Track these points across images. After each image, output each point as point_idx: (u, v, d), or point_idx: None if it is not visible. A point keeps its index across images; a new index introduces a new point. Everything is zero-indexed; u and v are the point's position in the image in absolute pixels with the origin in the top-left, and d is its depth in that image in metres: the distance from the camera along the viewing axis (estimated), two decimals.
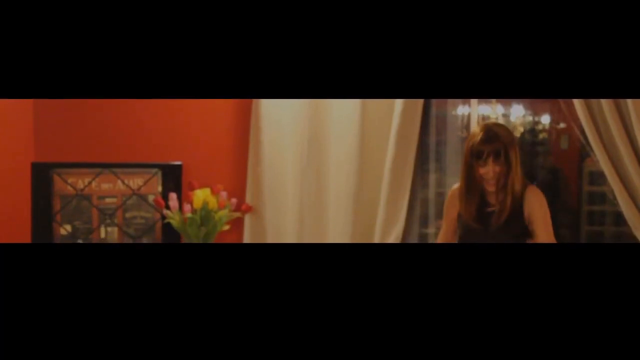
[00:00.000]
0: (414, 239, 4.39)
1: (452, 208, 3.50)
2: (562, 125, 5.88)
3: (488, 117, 5.65)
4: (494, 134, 3.31)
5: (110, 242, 4.32)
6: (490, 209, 3.39)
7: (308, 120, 4.22)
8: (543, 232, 3.35)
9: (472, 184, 3.37)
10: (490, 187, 3.35)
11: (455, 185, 3.53)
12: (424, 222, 4.48)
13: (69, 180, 4.30)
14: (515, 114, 5.84)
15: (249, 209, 4.34)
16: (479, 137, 3.31)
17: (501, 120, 5.73)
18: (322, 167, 4.24)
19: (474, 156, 3.32)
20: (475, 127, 3.46)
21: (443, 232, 3.60)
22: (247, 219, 4.39)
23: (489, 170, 3.30)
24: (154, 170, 4.39)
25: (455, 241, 3.51)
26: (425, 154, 4.42)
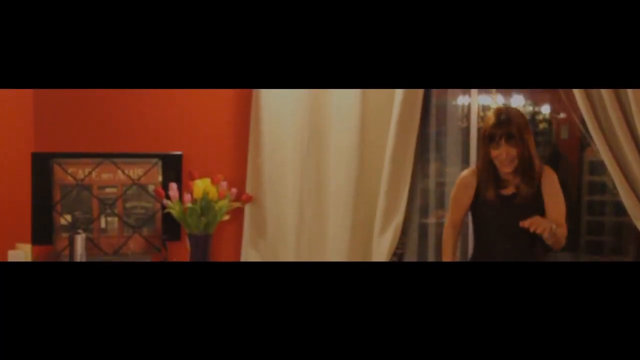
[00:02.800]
0: (414, 229, 4.40)
1: (464, 195, 3.53)
2: (562, 115, 5.87)
3: (488, 107, 5.64)
4: (505, 117, 3.37)
5: (110, 232, 4.33)
6: (506, 192, 3.45)
7: (308, 111, 4.22)
8: (553, 212, 3.41)
9: (487, 168, 3.44)
10: (505, 169, 3.41)
11: (464, 172, 3.58)
12: (424, 212, 4.48)
13: (69, 170, 4.30)
14: (516, 104, 5.82)
15: (249, 199, 4.34)
16: (492, 121, 3.38)
17: None
18: (322, 157, 4.24)
19: (486, 139, 3.40)
20: (489, 112, 3.51)
21: (451, 221, 3.59)
22: (247, 209, 4.39)
23: (502, 152, 3.37)
24: (154, 160, 4.39)
25: (461, 230, 3.54)
26: (426, 144, 4.42)
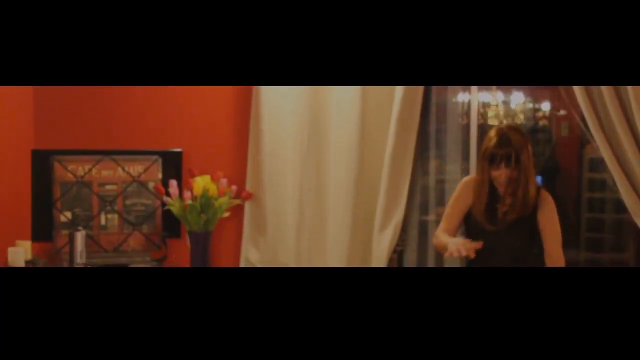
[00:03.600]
0: (414, 226, 4.40)
1: (465, 199, 3.50)
2: (562, 112, 5.88)
3: (488, 104, 5.65)
4: (507, 138, 3.36)
5: (110, 229, 4.33)
6: (500, 210, 3.43)
7: (308, 108, 4.21)
8: (550, 241, 3.44)
9: (485, 184, 3.42)
10: (502, 189, 3.41)
11: (467, 178, 3.56)
12: (424, 209, 4.48)
13: (69, 167, 4.30)
14: (516, 101, 5.83)
15: (249, 196, 4.34)
16: (493, 142, 3.36)
17: (501, 107, 5.73)
18: (322, 155, 4.24)
19: (487, 159, 3.38)
20: (491, 131, 3.47)
21: (447, 222, 3.53)
22: (247, 206, 4.39)
23: (501, 174, 3.37)
24: (154, 157, 4.39)
25: (456, 234, 3.51)
26: (426, 141, 4.42)
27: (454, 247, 3.23)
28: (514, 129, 3.49)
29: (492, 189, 3.43)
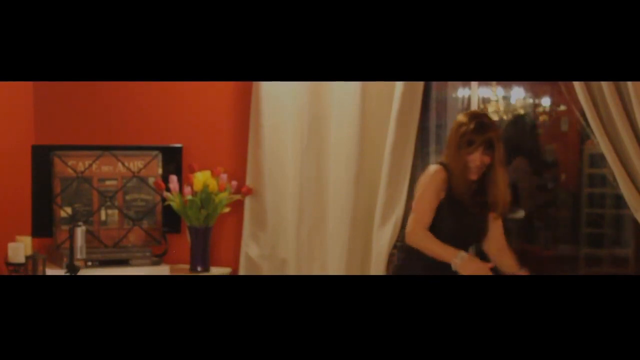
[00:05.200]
0: None
1: (440, 190, 3.44)
2: (562, 107, 5.87)
3: (488, 100, 5.64)
4: (484, 124, 3.38)
5: (110, 224, 4.33)
6: (476, 194, 3.46)
7: (308, 103, 4.21)
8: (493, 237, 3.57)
9: (463, 170, 3.40)
10: (473, 176, 3.41)
11: (436, 167, 3.48)
12: None
13: (69, 163, 4.30)
14: (516, 96, 5.82)
15: (249, 192, 4.35)
16: (470, 127, 3.36)
17: (502, 103, 5.73)
18: (323, 150, 4.24)
19: (464, 143, 3.37)
20: (462, 116, 3.47)
21: (423, 216, 3.44)
22: (248, 202, 4.39)
23: (476, 159, 3.37)
24: (155, 152, 4.39)
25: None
26: (426, 137, 4.42)
27: (468, 270, 3.31)
28: (486, 115, 3.54)
29: (465, 177, 3.42)
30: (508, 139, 4.73)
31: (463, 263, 3.33)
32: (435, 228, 3.43)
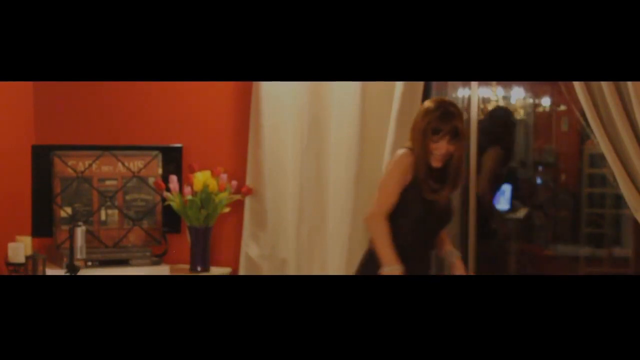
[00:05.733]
0: None
1: (405, 175, 3.42)
2: (562, 107, 5.88)
3: (489, 100, 5.64)
4: (450, 112, 3.37)
5: (110, 224, 4.33)
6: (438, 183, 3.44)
7: (308, 103, 4.21)
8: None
9: (422, 156, 3.39)
10: (437, 163, 3.40)
11: (403, 151, 3.47)
12: None
13: (70, 163, 4.29)
14: (516, 96, 5.83)
15: (249, 192, 4.35)
16: (436, 114, 3.35)
17: (502, 103, 5.73)
18: (323, 150, 4.24)
19: (429, 131, 3.35)
20: (429, 103, 3.46)
21: (384, 207, 3.42)
22: (248, 201, 4.39)
23: (441, 147, 3.36)
24: (155, 152, 4.39)
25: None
26: None
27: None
28: (451, 103, 3.50)
29: (428, 163, 3.41)
30: (484, 129, 4.69)
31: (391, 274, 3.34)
32: (400, 212, 3.42)
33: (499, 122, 5.29)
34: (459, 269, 3.60)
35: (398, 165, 3.45)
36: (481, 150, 4.56)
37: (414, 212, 3.43)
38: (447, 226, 3.64)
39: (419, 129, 3.40)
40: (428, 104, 3.46)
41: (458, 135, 3.37)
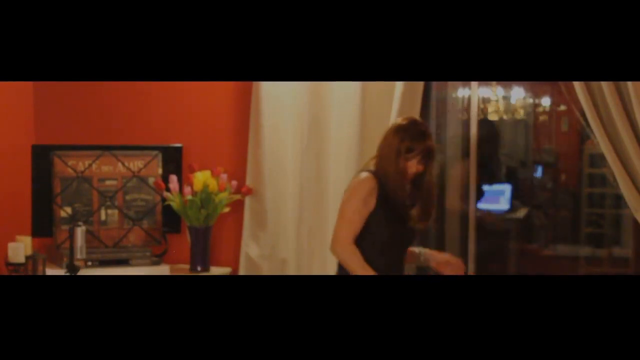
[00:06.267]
0: None
1: (370, 201, 3.31)
2: (562, 107, 5.88)
3: (488, 100, 5.65)
4: (424, 133, 3.31)
5: (110, 224, 4.33)
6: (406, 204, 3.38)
7: (308, 103, 4.21)
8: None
9: (396, 176, 3.30)
10: (406, 182, 3.34)
11: (366, 175, 3.36)
12: None
13: (69, 163, 4.30)
14: (516, 96, 5.83)
15: (249, 191, 4.34)
16: (411, 132, 3.29)
17: (501, 102, 5.74)
18: (323, 150, 4.24)
19: (403, 150, 3.27)
20: (403, 122, 3.36)
21: (352, 227, 3.31)
22: (248, 201, 4.39)
23: (412, 166, 3.30)
24: (155, 152, 4.39)
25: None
26: None
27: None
28: (424, 122, 3.46)
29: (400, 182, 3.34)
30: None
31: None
32: (368, 237, 3.33)
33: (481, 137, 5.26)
34: (436, 256, 3.53)
35: (359, 189, 3.33)
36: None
37: (383, 236, 3.34)
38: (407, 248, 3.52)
39: (392, 147, 3.29)
40: (400, 121, 3.38)
41: (430, 155, 3.30)
